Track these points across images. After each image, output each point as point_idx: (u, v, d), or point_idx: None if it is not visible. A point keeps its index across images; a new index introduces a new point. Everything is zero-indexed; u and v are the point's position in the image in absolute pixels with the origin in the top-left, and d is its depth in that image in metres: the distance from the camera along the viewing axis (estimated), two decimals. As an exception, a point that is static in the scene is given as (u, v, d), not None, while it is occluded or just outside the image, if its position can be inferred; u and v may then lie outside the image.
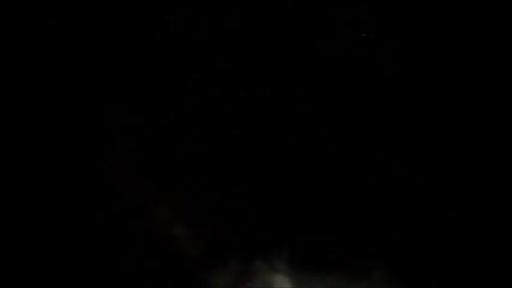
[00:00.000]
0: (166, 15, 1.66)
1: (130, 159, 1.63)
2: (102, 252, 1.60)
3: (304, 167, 1.60)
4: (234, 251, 1.58)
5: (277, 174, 1.60)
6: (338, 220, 1.58)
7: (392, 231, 1.58)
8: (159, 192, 1.61)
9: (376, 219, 1.58)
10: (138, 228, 1.60)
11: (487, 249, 1.56)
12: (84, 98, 1.65)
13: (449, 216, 1.58)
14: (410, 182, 1.59)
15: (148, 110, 1.64)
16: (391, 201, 1.58)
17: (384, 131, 1.61)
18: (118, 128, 1.64)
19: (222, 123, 1.62)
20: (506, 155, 1.59)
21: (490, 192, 1.58)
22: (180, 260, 1.59)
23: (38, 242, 1.61)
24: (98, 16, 1.66)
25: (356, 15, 1.64)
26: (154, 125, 1.63)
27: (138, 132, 1.64)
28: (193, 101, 1.63)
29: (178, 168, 1.62)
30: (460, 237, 1.57)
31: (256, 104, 1.62)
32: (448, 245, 1.57)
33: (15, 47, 1.65)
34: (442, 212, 1.58)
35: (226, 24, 1.65)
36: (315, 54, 1.63)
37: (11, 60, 1.65)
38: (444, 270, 1.56)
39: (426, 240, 1.57)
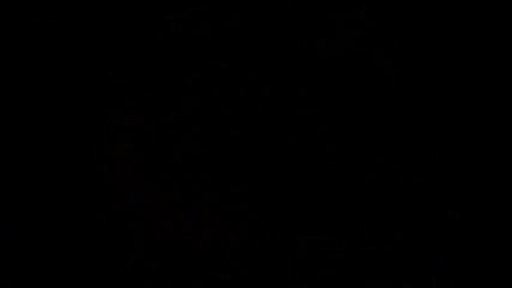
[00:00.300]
0: (166, 15, 1.66)
1: (130, 159, 1.63)
2: (102, 252, 1.60)
3: (304, 167, 1.60)
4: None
5: (277, 174, 1.60)
6: (338, 220, 1.58)
7: (392, 231, 1.58)
8: (159, 192, 1.61)
9: (376, 219, 1.58)
10: (138, 228, 1.60)
11: (487, 249, 1.56)
12: (84, 98, 1.65)
13: (449, 216, 1.58)
14: (410, 182, 1.59)
15: (148, 110, 1.64)
16: (391, 201, 1.58)
17: (384, 131, 1.61)
18: (118, 128, 1.64)
19: (222, 123, 1.62)
20: (506, 155, 1.59)
21: (489, 192, 1.58)
22: (180, 260, 1.59)
23: (38, 242, 1.61)
24: (98, 16, 1.66)
25: (356, 15, 1.64)
26: (154, 125, 1.63)
27: (138, 132, 1.64)
28: (193, 101, 1.63)
29: (178, 168, 1.62)
30: (460, 237, 1.57)
31: (256, 104, 1.63)
32: (448, 245, 1.57)
33: (15, 47, 1.66)
34: (442, 212, 1.58)
35: (226, 24, 1.65)
36: (315, 54, 1.64)
37: (11, 60, 1.65)
38: (444, 270, 1.56)
39: (426, 240, 1.57)
